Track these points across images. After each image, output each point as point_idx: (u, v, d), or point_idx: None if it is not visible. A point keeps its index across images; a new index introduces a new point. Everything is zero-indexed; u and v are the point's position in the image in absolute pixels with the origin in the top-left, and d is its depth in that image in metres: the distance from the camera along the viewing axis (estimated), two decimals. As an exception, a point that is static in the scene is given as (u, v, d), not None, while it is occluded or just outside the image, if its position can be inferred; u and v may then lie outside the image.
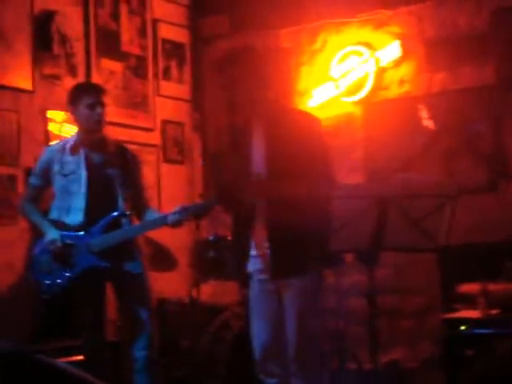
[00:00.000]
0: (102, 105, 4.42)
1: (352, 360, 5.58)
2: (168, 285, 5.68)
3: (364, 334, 4.01)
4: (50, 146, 5.15)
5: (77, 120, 4.47)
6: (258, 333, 3.74)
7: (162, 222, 4.29)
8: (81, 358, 4.54)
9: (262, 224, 3.67)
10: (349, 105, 6.41)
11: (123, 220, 4.40)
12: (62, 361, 4.38)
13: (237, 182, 3.74)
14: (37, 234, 4.49)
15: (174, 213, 4.22)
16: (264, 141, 3.71)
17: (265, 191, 3.67)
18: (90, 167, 4.42)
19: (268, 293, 3.72)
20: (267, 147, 3.70)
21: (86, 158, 4.42)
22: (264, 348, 3.72)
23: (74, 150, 4.44)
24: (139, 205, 4.54)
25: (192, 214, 4.25)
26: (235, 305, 5.39)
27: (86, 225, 4.36)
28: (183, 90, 6.93)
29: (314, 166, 3.62)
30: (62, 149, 4.48)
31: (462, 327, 4.80)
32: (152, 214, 4.49)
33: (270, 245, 3.64)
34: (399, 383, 5.73)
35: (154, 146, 6.59)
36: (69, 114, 4.71)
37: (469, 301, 4.97)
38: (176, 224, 4.25)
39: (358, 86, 6.33)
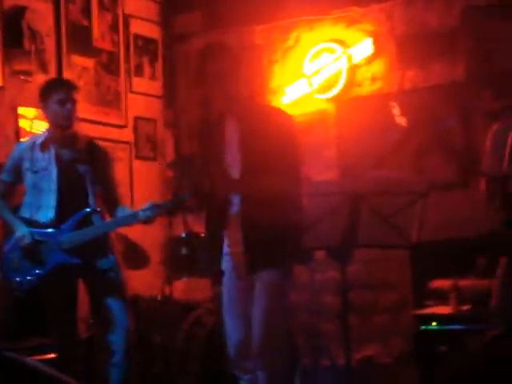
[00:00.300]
0: (73, 101, 4.39)
1: (326, 356, 5.60)
2: (141, 282, 5.66)
3: (337, 331, 4.04)
4: (20, 142, 5.11)
5: (47, 116, 4.45)
6: (232, 330, 3.74)
7: (134, 218, 4.29)
8: (53, 355, 4.51)
9: (236, 220, 3.67)
10: (322, 102, 6.43)
11: (94, 217, 4.38)
12: (34, 359, 4.36)
13: (209, 178, 3.72)
14: (7, 230, 4.45)
15: (145, 209, 4.22)
16: (237, 136, 3.70)
17: (237, 187, 3.67)
18: (60, 164, 4.40)
19: (240, 290, 3.72)
20: (240, 143, 3.69)
21: (56, 155, 4.40)
22: (238, 345, 3.72)
23: (44, 146, 4.42)
24: (111, 201, 4.53)
25: (163, 210, 4.25)
26: (208, 301, 5.38)
27: (57, 222, 4.34)
28: (155, 87, 6.91)
29: (285, 162, 3.61)
30: (32, 145, 4.45)
31: (434, 323, 4.83)
32: (123, 211, 4.47)
33: (243, 241, 3.64)
34: (373, 379, 5.76)
35: (126, 142, 6.56)
36: (39, 110, 4.68)
37: (440, 297, 5.01)
38: (147, 220, 4.25)
39: (330, 83, 6.35)
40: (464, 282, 4.93)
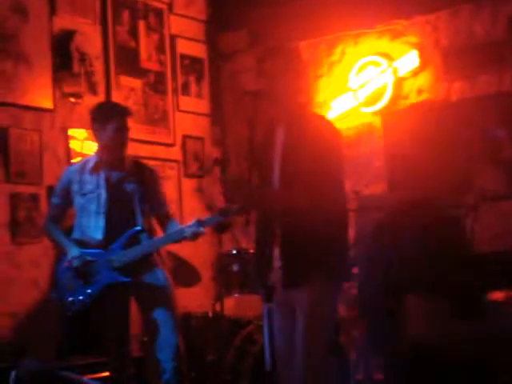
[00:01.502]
0: (128, 128, 4.49)
1: (378, 370, 5.56)
2: (192, 299, 5.70)
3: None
4: (69, 166, 5.19)
5: (100, 139, 4.50)
6: (277, 345, 3.73)
7: (180, 234, 4.34)
8: (107, 374, 4.56)
9: (277, 235, 3.65)
10: (368, 115, 6.42)
11: (142, 235, 4.44)
12: (88, 377, 4.43)
13: (258, 191, 3.69)
14: (60, 252, 4.53)
15: (190, 225, 4.27)
16: (281, 149, 3.66)
17: (274, 200, 3.63)
18: (109, 186, 4.48)
19: (281, 305, 3.69)
20: (282, 154, 3.64)
21: (106, 178, 4.48)
22: (280, 361, 3.70)
23: (94, 169, 4.50)
24: (162, 217, 4.59)
25: (208, 225, 4.29)
26: (259, 318, 5.38)
27: (107, 242, 4.41)
28: (202, 105, 6.97)
29: (326, 175, 3.53)
30: (82, 168, 4.53)
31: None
32: (174, 226, 4.52)
33: (280, 255, 3.61)
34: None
35: (174, 161, 6.62)
36: (90, 132, 4.74)
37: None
38: (193, 237, 4.29)
39: (376, 96, 6.34)
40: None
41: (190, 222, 4.33)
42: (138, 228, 4.41)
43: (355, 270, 5.37)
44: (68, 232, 4.55)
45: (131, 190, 4.48)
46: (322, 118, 3.83)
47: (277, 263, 3.63)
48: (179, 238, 4.37)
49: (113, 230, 4.42)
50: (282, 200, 3.60)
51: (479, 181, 5.89)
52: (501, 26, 5.88)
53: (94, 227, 4.43)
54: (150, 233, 4.54)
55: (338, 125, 6.00)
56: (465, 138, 6.00)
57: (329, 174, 3.57)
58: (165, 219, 4.59)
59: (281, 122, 3.71)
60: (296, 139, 3.61)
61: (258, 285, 3.77)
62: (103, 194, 4.45)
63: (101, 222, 4.43)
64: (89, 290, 4.36)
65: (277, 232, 3.63)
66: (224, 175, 3.83)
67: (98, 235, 4.42)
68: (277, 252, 3.63)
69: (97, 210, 4.44)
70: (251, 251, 5.27)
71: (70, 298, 4.38)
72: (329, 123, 3.74)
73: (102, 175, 4.48)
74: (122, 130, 4.45)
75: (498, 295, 4.94)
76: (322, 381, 3.61)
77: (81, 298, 4.36)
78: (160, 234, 4.59)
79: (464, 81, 6.06)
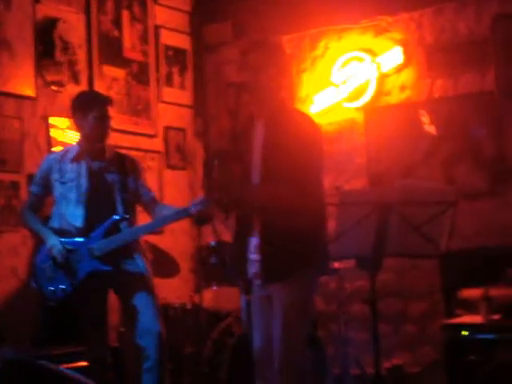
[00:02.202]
0: (109, 117, 4.49)
1: (355, 365, 5.60)
2: (170, 290, 5.70)
3: (367, 340, 4.03)
4: (49, 154, 5.18)
5: (81, 128, 4.50)
6: (254, 339, 3.74)
7: (185, 213, 4.32)
8: (84, 363, 4.56)
9: (257, 229, 3.65)
10: (350, 110, 6.44)
11: (122, 224, 4.43)
12: (65, 367, 4.42)
13: (235, 186, 3.71)
14: (38, 241, 4.51)
15: (196, 203, 4.25)
16: (261, 142, 3.67)
17: (254, 195, 3.64)
18: (90, 175, 4.47)
19: (260, 299, 3.70)
20: (263, 148, 3.65)
21: (88, 167, 4.47)
22: (258, 355, 3.71)
23: (75, 158, 4.49)
24: (149, 203, 4.60)
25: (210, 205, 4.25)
26: (238, 310, 5.40)
27: (87, 230, 4.40)
28: (185, 96, 6.95)
29: (306, 170, 3.55)
30: (62, 157, 4.52)
31: (464, 332, 4.81)
32: (166, 208, 4.55)
33: (260, 249, 3.62)
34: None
35: (156, 152, 6.61)
36: (72, 121, 4.73)
37: (470, 306, 4.98)
38: (200, 214, 4.25)
39: (359, 92, 6.35)
40: (494, 291, 4.89)
41: (196, 199, 4.34)
42: (116, 217, 4.40)
43: (335, 265, 5.43)
44: (44, 222, 4.53)
45: (112, 180, 4.48)
46: (303, 113, 3.85)
47: (254, 256, 3.64)
48: (184, 215, 4.35)
49: (93, 219, 4.41)
50: (265, 195, 3.60)
51: (460, 178, 5.94)
52: (484, 25, 5.92)
53: (74, 215, 4.42)
54: (132, 222, 4.53)
55: (320, 120, 6.09)
56: (446, 135, 6.04)
57: (309, 169, 3.59)
58: (152, 204, 4.60)
59: (261, 116, 3.72)
60: (276, 134, 3.62)
61: (235, 277, 3.78)
62: (84, 183, 4.44)
63: (80, 210, 4.41)
64: (70, 279, 4.35)
65: (255, 225, 3.64)
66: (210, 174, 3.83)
67: (78, 223, 4.40)
68: (254, 245, 3.64)
69: (77, 199, 4.42)
70: (230, 243, 5.27)
71: (51, 288, 4.36)
72: (309, 119, 3.75)
73: (84, 164, 4.47)
74: (103, 119, 4.44)
75: (474, 292, 4.98)
76: (300, 374, 3.63)
77: (62, 286, 4.35)
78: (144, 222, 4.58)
79: (447, 79, 6.09)
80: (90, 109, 4.42)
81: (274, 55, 3.71)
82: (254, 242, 3.65)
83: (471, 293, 5.04)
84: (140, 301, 4.37)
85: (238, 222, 3.81)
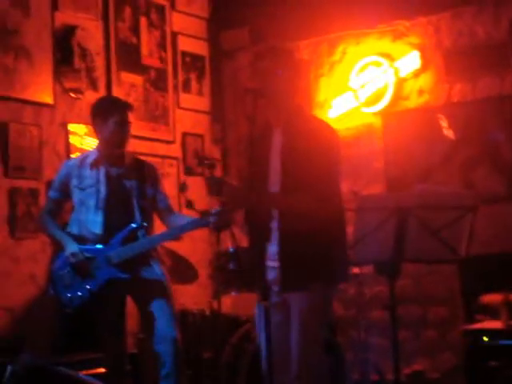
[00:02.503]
0: (129, 123, 4.49)
1: (374, 371, 5.57)
2: (189, 296, 5.70)
3: (386, 345, 4.00)
4: (67, 160, 5.20)
5: (101, 134, 4.50)
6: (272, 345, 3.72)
7: (202, 222, 4.33)
8: (102, 370, 4.56)
9: (275, 236, 3.65)
10: (369, 115, 6.42)
11: (140, 232, 4.44)
12: (84, 373, 4.42)
13: (253, 191, 3.69)
14: (57, 247, 4.52)
15: (214, 213, 4.18)
16: (280, 150, 3.67)
17: (274, 202, 3.63)
18: (109, 181, 4.48)
19: (275, 305, 3.66)
20: (281, 155, 3.65)
21: (106, 173, 4.48)
22: (276, 360, 3.69)
23: (94, 164, 4.49)
24: (165, 211, 4.60)
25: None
26: (256, 316, 5.38)
27: (105, 237, 4.41)
28: (203, 103, 6.96)
29: (324, 178, 3.55)
30: (81, 163, 4.52)
31: (485, 338, 4.77)
32: (181, 217, 4.55)
33: (279, 257, 3.61)
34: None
35: (174, 158, 6.62)
36: (91, 127, 4.74)
37: (491, 311, 4.95)
38: (217, 223, 4.19)
39: (377, 97, 6.34)
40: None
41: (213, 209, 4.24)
42: (134, 225, 4.41)
43: (354, 270, 5.41)
44: (63, 228, 4.54)
45: (130, 186, 4.48)
46: (320, 119, 3.85)
47: (273, 263, 3.63)
48: (202, 225, 4.35)
49: (111, 225, 4.41)
50: (286, 203, 3.59)
51: (478, 182, 5.90)
52: (503, 29, 5.89)
53: (93, 222, 4.42)
54: (150, 229, 4.53)
55: (338, 125, 6.08)
56: (464, 139, 6.01)
57: (328, 175, 3.59)
58: (168, 212, 4.60)
59: (278, 123, 3.71)
60: (294, 141, 3.62)
61: (254, 283, 3.76)
62: (103, 189, 4.45)
63: (100, 217, 4.42)
64: (88, 286, 4.36)
65: (273, 232, 3.63)
66: (212, 177, 3.80)
67: (97, 230, 4.41)
68: (272, 251, 3.63)
69: (96, 205, 4.43)
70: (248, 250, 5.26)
71: (69, 294, 4.37)
72: (327, 124, 3.76)
73: (102, 170, 4.48)
74: (124, 124, 4.45)
75: (494, 297, 4.95)
76: (318, 380, 3.62)
77: (80, 293, 4.35)
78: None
79: (465, 83, 6.06)
80: (110, 114, 4.43)
81: (288, 61, 3.71)
82: (272, 248, 3.64)
83: (491, 298, 5.00)
84: (157, 307, 4.37)
85: (252, 229, 3.80)
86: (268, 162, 3.70)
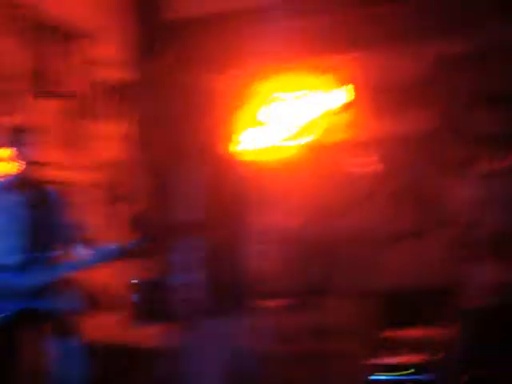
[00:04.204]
0: (33, 147, 4.43)
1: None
2: (99, 327, 5.56)
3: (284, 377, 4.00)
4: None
5: (14, 160, 4.45)
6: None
7: (119, 251, 4.29)
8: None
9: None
10: (294, 148, 6.40)
11: (48, 260, 4.34)
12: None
13: (167, 222, 3.70)
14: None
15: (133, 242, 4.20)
16: (195, 184, 3.70)
17: (197, 232, 3.65)
18: (18, 207, 4.38)
19: (202, 334, 3.69)
20: (198, 191, 3.69)
21: (19, 199, 4.39)
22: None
23: (5, 189, 4.42)
24: (70, 241, 4.49)
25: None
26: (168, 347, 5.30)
27: (15, 266, 4.29)
28: (122, 129, 6.85)
29: (238, 213, 3.63)
30: None
31: (385, 373, 4.81)
32: (81, 251, 4.45)
33: (205, 285, 3.62)
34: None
35: (95, 185, 6.49)
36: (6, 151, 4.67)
37: (392, 346, 4.98)
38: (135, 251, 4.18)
39: (304, 130, 6.33)
40: (416, 332, 4.91)
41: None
42: (49, 252, 4.32)
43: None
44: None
45: (39, 214, 4.39)
46: (238, 159, 3.93)
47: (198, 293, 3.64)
48: (90, 263, 4.33)
49: (21, 252, 4.31)
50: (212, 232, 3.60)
51: (403, 217, 5.93)
52: (427, 66, 5.96)
53: (2, 249, 4.31)
54: (60, 258, 4.44)
55: (260, 157, 6.04)
56: (389, 174, 6.05)
57: (243, 213, 3.65)
58: (74, 244, 4.50)
59: (192, 161, 3.75)
60: (216, 176, 3.68)
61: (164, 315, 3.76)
62: (12, 214, 4.35)
63: (9, 243, 4.32)
64: (-1, 316, 4.23)
65: (199, 262, 3.63)
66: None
67: (6, 257, 4.29)
68: (199, 280, 3.63)
69: (5, 232, 4.32)
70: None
71: None
72: (245, 164, 3.84)
73: (12, 196, 4.38)
74: (26, 147, 4.40)
75: (395, 333, 4.98)
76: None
77: None
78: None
79: (392, 118, 6.11)
80: (17, 139, 4.41)
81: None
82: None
83: (393, 333, 5.03)
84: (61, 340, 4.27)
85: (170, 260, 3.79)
86: (179, 193, 3.74)
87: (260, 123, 6.47)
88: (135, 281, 5.30)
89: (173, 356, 5.06)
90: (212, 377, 3.67)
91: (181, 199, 3.73)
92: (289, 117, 6.38)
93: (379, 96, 6.16)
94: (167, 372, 5.06)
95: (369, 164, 6.12)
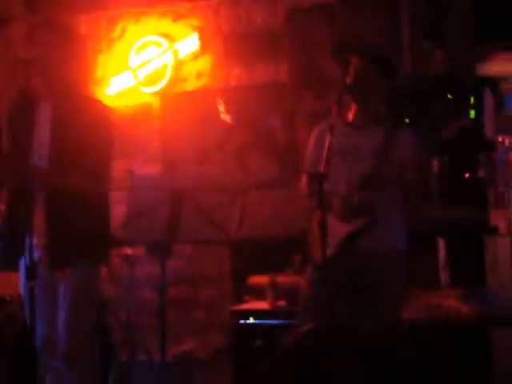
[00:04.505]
0: None
1: (143, 351, 5.56)
2: None
3: (155, 326, 4.01)
4: None
5: None
6: (38, 327, 3.62)
7: None
8: None
9: (41, 212, 3.54)
10: (147, 95, 6.36)
11: None
12: None
13: (12, 163, 3.57)
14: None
15: None
16: (50, 126, 3.58)
17: (42, 178, 3.54)
18: None
19: (44, 285, 3.60)
20: (52, 132, 3.57)
21: None
22: (40, 342, 3.61)
23: None
24: None
25: None
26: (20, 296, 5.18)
27: None
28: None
29: (95, 157, 3.53)
30: None
31: (251, 318, 4.91)
32: None
33: (46, 234, 3.54)
34: (189, 374, 5.77)
35: None
36: None
37: (258, 293, 5.09)
38: None
39: (156, 77, 6.29)
40: (281, 279, 5.03)
41: None
42: None
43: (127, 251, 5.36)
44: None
45: None
46: (94, 97, 3.85)
47: (39, 240, 3.53)
48: None
49: None
50: (58, 179, 3.51)
51: (252, 167, 6.03)
52: (279, 17, 6.04)
53: None
54: None
55: (116, 102, 5.98)
56: (240, 124, 6.12)
57: (99, 155, 3.58)
58: None
59: (48, 97, 3.61)
60: (67, 118, 3.56)
61: (5, 261, 3.67)
62: None
63: None
64: None
65: (38, 208, 3.52)
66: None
67: None
68: (38, 228, 3.52)
69: None
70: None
71: None
72: (101, 104, 3.76)
73: None
74: None
75: (262, 279, 5.10)
76: (87, 360, 3.62)
77: None
78: None
79: (243, 68, 6.17)
80: None
81: (65, 33, 3.61)
82: (36, 226, 3.53)
83: (259, 280, 5.15)
84: None
85: (11, 201, 3.65)
86: (32, 134, 3.59)
87: (120, 68, 6.37)
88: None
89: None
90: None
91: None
92: (143, 63, 6.29)
93: (230, 45, 6.19)
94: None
95: (221, 113, 6.16)
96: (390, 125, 3.90)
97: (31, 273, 3.58)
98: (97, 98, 3.85)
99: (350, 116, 3.96)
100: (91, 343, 3.69)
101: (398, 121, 4.27)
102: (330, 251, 3.62)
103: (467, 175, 5.23)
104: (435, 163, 5.04)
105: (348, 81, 3.85)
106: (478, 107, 4.92)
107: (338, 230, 3.75)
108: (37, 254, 3.52)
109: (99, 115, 3.63)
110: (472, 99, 4.48)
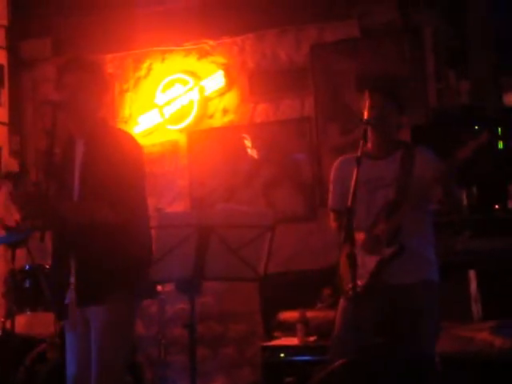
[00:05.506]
0: None
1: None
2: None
3: (186, 363, 3.99)
4: None
5: None
6: (67, 363, 3.61)
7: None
8: None
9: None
10: (174, 132, 6.41)
11: None
12: None
13: (53, 206, 3.56)
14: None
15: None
16: (81, 162, 3.60)
17: (70, 212, 3.51)
18: None
19: (75, 323, 3.58)
20: (82, 167, 3.58)
21: None
22: (71, 380, 3.59)
23: None
24: None
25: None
26: (53, 336, 5.19)
27: None
28: (1, 113, 6.67)
29: (125, 192, 3.49)
30: None
31: (281, 354, 4.87)
32: None
33: (75, 271, 3.50)
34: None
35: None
36: None
37: (288, 328, 5.06)
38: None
39: (182, 114, 6.34)
40: (311, 314, 5.00)
41: None
42: None
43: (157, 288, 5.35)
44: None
45: None
46: (124, 132, 3.81)
47: (72, 279, 3.53)
48: None
49: None
50: (81, 211, 3.50)
51: (279, 202, 6.03)
52: (303, 53, 6.09)
53: None
54: None
55: (143, 141, 6.02)
56: (266, 159, 6.13)
57: (130, 187, 3.53)
58: None
59: (81, 136, 3.63)
60: (97, 153, 3.55)
61: (51, 302, 3.65)
62: None
63: None
64: None
65: (73, 247, 3.53)
66: (17, 189, 3.66)
67: None
68: (73, 268, 3.53)
69: None
70: (46, 267, 5.09)
71: None
72: (131, 137, 3.71)
73: None
74: None
75: (291, 314, 5.07)
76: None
77: None
78: None
79: (268, 103, 6.20)
80: None
81: (92, 74, 3.63)
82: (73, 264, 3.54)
83: (289, 315, 5.12)
84: None
85: (54, 244, 3.67)
86: (71, 176, 3.61)
87: (146, 107, 6.43)
88: (27, 267, 5.16)
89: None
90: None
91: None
92: (169, 100, 6.35)
93: (256, 81, 6.24)
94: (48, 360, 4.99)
95: (248, 149, 6.18)
96: (405, 147, 3.93)
97: (61, 313, 3.60)
98: (127, 132, 3.83)
99: (370, 147, 3.96)
100: (122, 381, 3.64)
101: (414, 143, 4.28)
102: (361, 282, 3.61)
103: (497, 206, 5.20)
104: (464, 195, 5.01)
105: (370, 116, 3.86)
106: (506, 137, 4.89)
107: (368, 260, 3.74)
108: (69, 294, 3.53)
109: (130, 147, 3.60)
110: (500, 130, 4.44)
